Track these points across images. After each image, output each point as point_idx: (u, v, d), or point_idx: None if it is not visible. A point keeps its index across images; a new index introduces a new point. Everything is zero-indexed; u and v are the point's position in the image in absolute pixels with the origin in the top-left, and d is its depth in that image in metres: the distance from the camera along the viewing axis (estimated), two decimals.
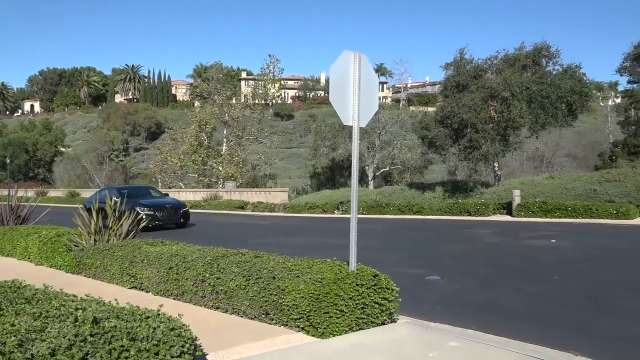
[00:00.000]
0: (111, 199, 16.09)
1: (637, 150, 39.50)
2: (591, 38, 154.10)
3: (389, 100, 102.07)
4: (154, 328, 3.93)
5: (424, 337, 5.33)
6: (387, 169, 44.53)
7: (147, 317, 4.19)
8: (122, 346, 3.65)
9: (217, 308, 6.60)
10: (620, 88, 58.33)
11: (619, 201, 19.79)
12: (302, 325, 5.58)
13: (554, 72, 26.18)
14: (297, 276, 5.84)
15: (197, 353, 4.19)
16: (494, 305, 7.31)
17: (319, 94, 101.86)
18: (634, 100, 31.54)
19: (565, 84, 24.96)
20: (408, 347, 4.99)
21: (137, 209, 16.46)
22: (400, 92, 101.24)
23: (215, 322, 6.10)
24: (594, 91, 45.05)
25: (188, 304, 6.95)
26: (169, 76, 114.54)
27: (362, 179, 43.18)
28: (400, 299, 5.92)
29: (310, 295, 5.53)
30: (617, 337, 5.71)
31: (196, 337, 4.49)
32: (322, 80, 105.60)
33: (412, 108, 75.26)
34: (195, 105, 65.15)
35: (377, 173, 43.97)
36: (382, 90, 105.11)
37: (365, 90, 6.22)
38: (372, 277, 5.74)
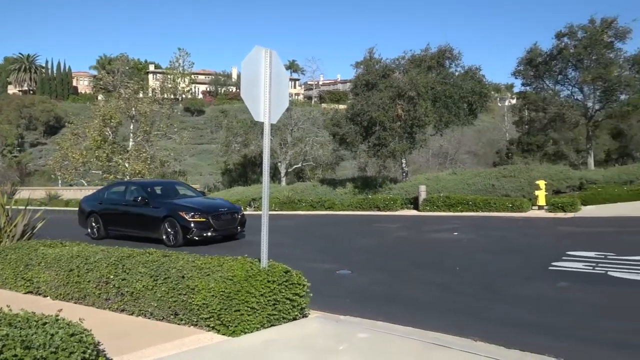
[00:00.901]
0: (135, 199, 13.71)
1: (530, 148, 42.51)
2: (491, 43, 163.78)
3: (301, 97, 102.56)
4: (52, 335, 3.70)
5: (334, 331, 5.43)
6: (300, 165, 44.83)
7: (44, 324, 3.93)
8: (15, 356, 3.40)
9: (122, 310, 6.34)
10: (515, 90, 62.41)
11: (514, 195, 21.24)
12: (212, 325, 5.49)
13: (457, 74, 27.59)
14: (208, 275, 5.74)
15: (100, 359, 3.99)
16: (401, 296, 7.59)
17: (230, 90, 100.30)
18: (527, 101, 33.86)
19: (467, 85, 26.41)
20: (319, 341, 5.06)
21: (182, 214, 12.61)
22: (312, 89, 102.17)
23: (120, 326, 5.85)
24: (493, 92, 47.92)
25: (91, 307, 6.61)
26: (69, 67, 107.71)
27: (275, 176, 43.13)
28: (311, 294, 5.98)
29: (221, 293, 5.45)
30: (512, 322, 6.13)
31: (99, 342, 4.29)
32: (234, 76, 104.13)
33: (324, 105, 76.27)
34: (99, 98, 62.02)
35: (290, 169, 44.14)
36: (295, 87, 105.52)
37: (276, 86, 6.22)
38: (284, 273, 5.76)
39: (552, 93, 32.25)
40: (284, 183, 40.26)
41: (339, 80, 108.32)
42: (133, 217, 13.53)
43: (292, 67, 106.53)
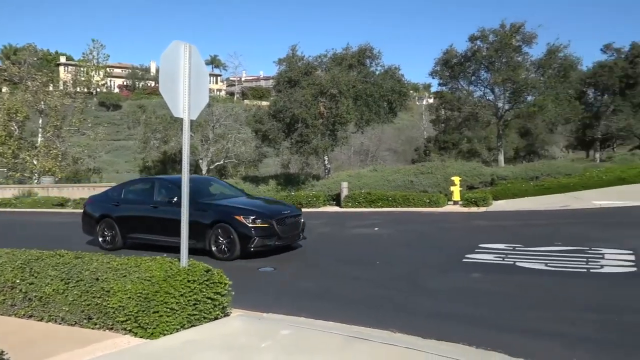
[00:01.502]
0: (171, 200, 10.74)
1: (446, 145, 44.36)
2: (410, 43, 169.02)
3: (223, 93, 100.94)
4: None
5: (257, 328, 5.40)
6: (222, 162, 44.17)
7: None
8: None
9: (30, 317, 5.97)
10: (432, 90, 64.82)
11: (431, 191, 22.05)
12: (129, 327, 5.29)
13: (377, 73, 28.25)
14: (124, 276, 5.53)
15: None
16: (325, 292, 7.68)
17: (149, 84, 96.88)
18: (443, 101, 35.26)
19: (387, 84, 27.12)
20: (240, 340, 5.01)
21: (239, 218, 10.16)
22: (234, 85, 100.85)
23: (28, 333, 5.50)
24: (411, 91, 49.46)
25: None
26: None
27: (196, 173, 42.23)
28: (233, 293, 5.92)
29: (139, 295, 5.26)
30: (430, 314, 6.36)
31: (3, 352, 4.01)
32: (153, 70, 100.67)
33: (246, 102, 75.48)
34: (4, 91, 57.78)
35: (212, 166, 43.39)
36: (217, 82, 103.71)
37: (196, 81, 6.08)
38: (205, 272, 5.65)
39: (466, 93, 33.75)
40: None
41: (261, 76, 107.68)
42: (166, 223, 10.59)
43: (213, 62, 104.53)
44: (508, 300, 6.82)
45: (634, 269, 8.03)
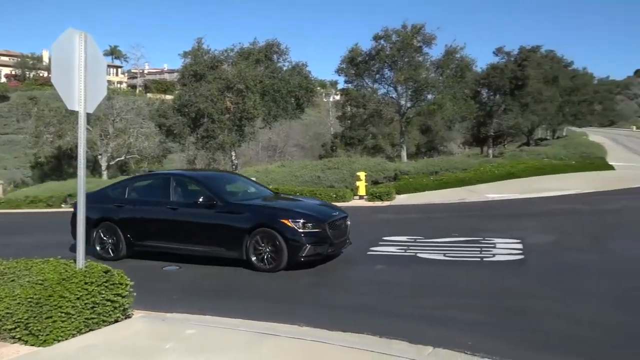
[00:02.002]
0: (197, 200, 8.93)
1: (352, 141, 45.35)
2: (317, 41, 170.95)
3: (124, 85, 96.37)
4: None
5: (160, 329, 5.23)
6: (123, 158, 42.25)
7: None
8: None
9: None
10: (339, 87, 65.96)
11: (338, 186, 22.46)
12: (19, 335, 4.92)
13: (284, 69, 28.26)
14: (12, 280, 5.15)
15: None
16: (231, 289, 7.60)
17: (41, 74, 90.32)
18: (349, 98, 35.93)
19: (294, 80, 27.22)
20: (143, 342, 4.84)
21: (286, 222, 8.44)
22: (136, 77, 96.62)
23: None
24: (318, 88, 50.03)
25: None
26: None
27: (95, 169, 40.13)
28: (135, 294, 5.69)
29: (29, 300, 4.91)
30: (337, 306, 6.50)
31: None
32: (45, 59, 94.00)
33: (149, 95, 72.65)
34: None
35: (112, 162, 41.37)
36: (117, 74, 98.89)
37: (93, 73, 5.76)
38: (103, 274, 5.39)
39: (370, 91, 34.65)
40: (105, 177, 37.58)
41: (165, 69, 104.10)
42: (190, 228, 9.06)
43: (113, 53, 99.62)
44: (410, 290, 7.13)
45: (522, 256, 8.69)
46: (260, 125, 29.43)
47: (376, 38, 32.28)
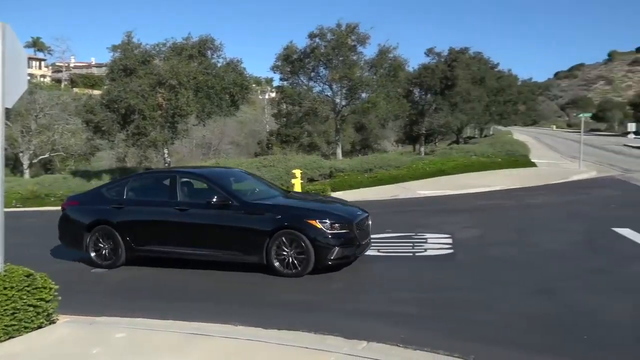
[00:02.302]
0: (210, 201, 8.13)
1: (288, 139, 45.37)
2: (253, 38, 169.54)
3: (48, 79, 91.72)
4: None
5: (88, 334, 5.03)
6: (47, 155, 40.16)
7: None
8: None
9: None
10: (274, 84, 65.76)
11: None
12: None
13: (219, 65, 27.83)
14: None
15: None
16: (161, 290, 7.41)
17: None
18: (284, 95, 35.81)
19: (229, 76, 26.84)
20: (68, 348, 4.63)
21: (313, 222, 7.80)
22: (61, 71, 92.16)
23: None
24: (254, 85, 49.59)
25: None
26: None
27: (16, 167, 37.99)
28: (60, 298, 5.43)
29: None
30: (272, 304, 6.48)
31: None
32: None
33: (75, 90, 69.57)
34: None
35: (35, 160, 39.24)
36: (40, 67, 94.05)
37: (12, 65, 5.44)
38: (25, 278, 5.11)
39: (306, 89, 34.73)
40: (27, 176, 35.62)
41: (93, 63, 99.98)
42: (200, 230, 8.36)
43: (36, 45, 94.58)
44: (344, 285, 7.22)
45: (452, 250, 9.00)
46: (193, 122, 28.82)
47: (311, 36, 32.38)
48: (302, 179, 20.48)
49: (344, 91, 33.22)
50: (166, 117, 25.82)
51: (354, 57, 32.37)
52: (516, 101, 60.79)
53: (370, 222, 8.91)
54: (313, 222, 7.77)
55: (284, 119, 38.99)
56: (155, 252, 8.70)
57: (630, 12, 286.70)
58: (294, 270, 7.69)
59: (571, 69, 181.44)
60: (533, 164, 25.28)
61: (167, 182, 9.15)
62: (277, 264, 7.77)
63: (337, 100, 33.75)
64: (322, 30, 32.08)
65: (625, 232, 9.74)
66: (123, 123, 25.71)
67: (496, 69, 51.81)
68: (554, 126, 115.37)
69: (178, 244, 8.45)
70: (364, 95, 33.35)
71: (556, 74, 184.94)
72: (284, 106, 37.35)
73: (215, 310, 6.11)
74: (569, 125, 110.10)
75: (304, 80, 34.78)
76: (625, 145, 47.45)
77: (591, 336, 5.01)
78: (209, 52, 27.68)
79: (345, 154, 37.80)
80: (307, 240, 7.63)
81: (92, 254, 8.86)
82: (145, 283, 7.83)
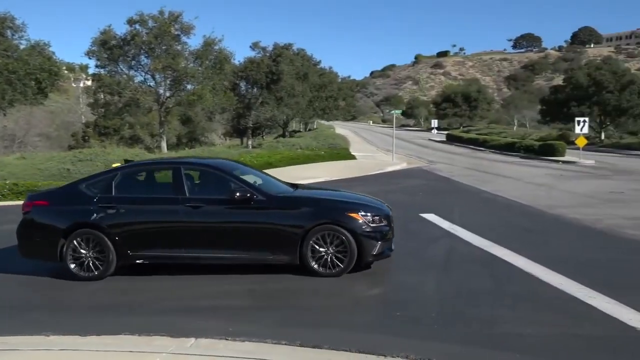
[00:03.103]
0: (233, 195, 6.90)
1: (107, 131, 42.46)
2: (64, 19, 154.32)
3: None
4: None
5: None
6: None
7: None
8: None
9: None
10: (90, 71, 60.84)
11: None
12: None
13: (22, 47, 24.92)
14: None
15: None
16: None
17: None
18: (102, 84, 33.43)
19: (34, 60, 24.21)
20: None
21: (354, 216, 6.88)
22: None
23: None
24: (65, 71, 45.35)
25: None
26: None
27: None
28: None
29: None
30: (89, 308, 6.00)
31: None
32: None
33: None
34: None
35: None
36: None
37: None
38: None
39: (126, 78, 32.83)
40: None
41: None
42: (219, 230, 7.10)
43: None
44: (170, 283, 6.98)
45: None
46: None
47: (130, 22, 30.64)
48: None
49: (168, 82, 32.14)
50: None
51: (178, 47, 31.47)
52: (337, 97, 64.34)
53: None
54: (355, 214, 7.06)
55: (102, 110, 36.41)
56: (159, 258, 7.37)
57: (434, 19, 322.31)
58: (334, 270, 6.93)
59: (384, 69, 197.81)
60: (353, 157, 27.06)
61: (169, 175, 7.77)
62: (314, 264, 6.95)
63: (161, 91, 32.54)
64: (142, 17, 30.54)
65: (431, 217, 10.95)
66: None
67: (318, 66, 54.26)
68: (371, 121, 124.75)
69: (190, 247, 7.23)
70: (189, 86, 32.64)
71: (372, 73, 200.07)
72: (102, 96, 34.93)
73: (20, 322, 5.46)
74: (384, 121, 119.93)
75: (124, 69, 32.91)
76: (430, 139, 53.35)
77: (403, 312, 5.52)
78: (8, 32, 24.61)
79: (170, 147, 36.59)
80: (350, 236, 6.90)
81: (72, 265, 7.22)
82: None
